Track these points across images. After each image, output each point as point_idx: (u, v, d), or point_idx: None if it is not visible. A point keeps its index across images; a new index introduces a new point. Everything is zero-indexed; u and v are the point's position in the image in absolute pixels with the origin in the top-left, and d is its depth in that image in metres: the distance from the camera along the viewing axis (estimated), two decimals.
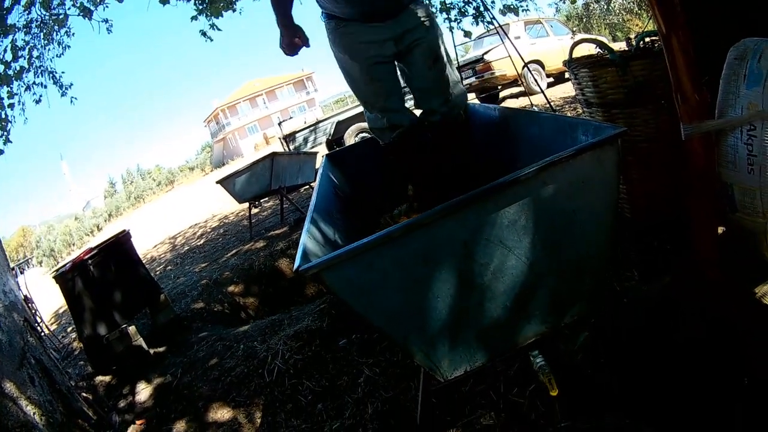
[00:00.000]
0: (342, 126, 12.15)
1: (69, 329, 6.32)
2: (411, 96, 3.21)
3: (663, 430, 1.56)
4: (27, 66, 6.38)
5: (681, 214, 1.97)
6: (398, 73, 3.05)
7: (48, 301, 9.39)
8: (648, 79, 2.37)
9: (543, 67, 12.10)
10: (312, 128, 12.06)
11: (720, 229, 1.91)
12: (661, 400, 1.64)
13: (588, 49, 3.08)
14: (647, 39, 2.54)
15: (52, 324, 7.51)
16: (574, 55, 2.84)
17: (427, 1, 7.70)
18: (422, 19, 2.87)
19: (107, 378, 3.76)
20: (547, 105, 5.72)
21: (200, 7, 6.39)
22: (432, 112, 3.01)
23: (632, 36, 2.78)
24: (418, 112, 3.16)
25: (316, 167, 8.07)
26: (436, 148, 3.05)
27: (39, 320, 5.57)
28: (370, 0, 2.67)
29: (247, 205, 7.44)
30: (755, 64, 1.59)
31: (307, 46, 2.83)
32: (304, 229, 1.56)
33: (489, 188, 1.22)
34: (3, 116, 6.35)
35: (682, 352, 1.74)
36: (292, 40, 2.80)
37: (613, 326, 2.01)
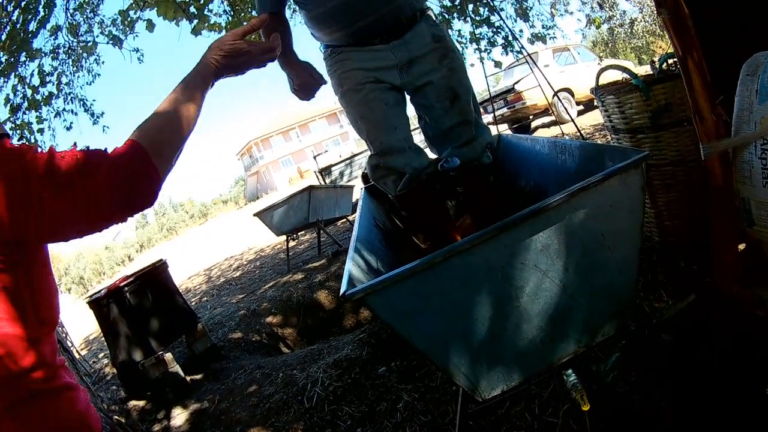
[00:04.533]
0: None
1: (101, 355, 6.45)
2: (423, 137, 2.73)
3: None
4: (56, 92, 6.37)
5: (706, 233, 2.00)
6: (406, 108, 2.57)
7: (78, 327, 9.54)
8: (670, 102, 2.41)
9: (572, 95, 12.09)
10: (348, 162, 12.14)
11: (741, 246, 1.93)
12: (690, 418, 1.67)
13: (615, 75, 3.10)
14: (670, 61, 2.57)
15: (82, 349, 7.64)
16: (600, 82, 2.89)
17: (455, 32, 7.81)
18: (434, 45, 2.42)
19: (141, 402, 3.85)
20: (578, 134, 5.75)
21: None
22: (451, 156, 2.53)
23: (656, 59, 2.80)
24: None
25: (353, 201, 8.18)
26: (457, 198, 2.71)
27: (70, 344, 5.67)
28: (355, 17, 2.25)
29: (284, 237, 7.52)
30: (766, 79, 1.60)
31: (323, 82, 2.40)
32: (348, 257, 1.62)
33: (523, 215, 1.28)
34: (32, 141, 6.26)
35: (709, 370, 1.77)
36: (305, 79, 2.35)
37: (643, 347, 2.05)
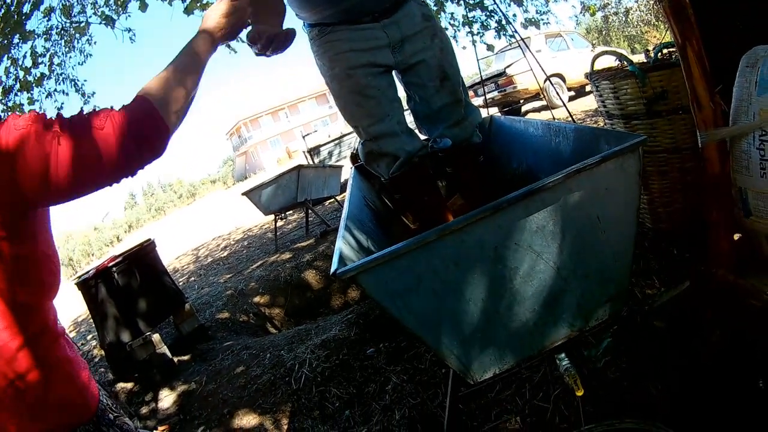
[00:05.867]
0: None
1: (89, 337, 6.41)
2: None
3: None
4: (48, 73, 6.34)
5: (700, 221, 2.00)
6: (397, 87, 2.50)
7: (67, 309, 9.49)
8: (666, 90, 2.40)
9: (564, 80, 12.08)
10: (336, 142, 12.09)
11: (736, 236, 1.93)
12: (680, 404, 1.67)
13: (609, 62, 3.08)
14: (665, 50, 2.56)
15: (71, 331, 7.59)
16: (595, 68, 2.88)
17: (448, 14, 7.77)
18: (425, 24, 2.38)
19: (129, 385, 3.84)
20: (569, 119, 5.75)
21: None
22: (441, 136, 2.50)
23: (650, 48, 2.80)
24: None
25: (342, 181, 8.16)
26: (447, 179, 2.72)
27: None
28: None
29: (271, 217, 7.49)
30: (766, 71, 1.61)
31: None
32: (339, 235, 1.60)
33: (519, 194, 1.26)
34: None
35: (700, 358, 1.77)
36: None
37: (635, 333, 2.05)
